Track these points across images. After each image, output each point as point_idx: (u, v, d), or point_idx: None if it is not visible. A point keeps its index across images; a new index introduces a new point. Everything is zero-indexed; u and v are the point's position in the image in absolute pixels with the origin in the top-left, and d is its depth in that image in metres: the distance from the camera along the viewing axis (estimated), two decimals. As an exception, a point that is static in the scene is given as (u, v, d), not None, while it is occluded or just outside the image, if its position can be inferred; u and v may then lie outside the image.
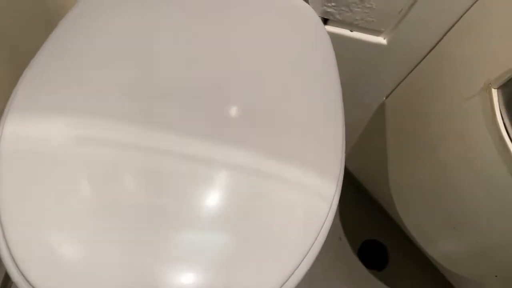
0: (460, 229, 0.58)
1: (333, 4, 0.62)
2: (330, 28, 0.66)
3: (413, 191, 0.69)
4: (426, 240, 0.68)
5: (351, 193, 1.13)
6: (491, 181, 0.50)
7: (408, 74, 0.69)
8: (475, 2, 0.53)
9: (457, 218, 0.58)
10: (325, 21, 0.66)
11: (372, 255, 1.08)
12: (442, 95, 0.59)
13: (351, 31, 0.65)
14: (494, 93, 0.47)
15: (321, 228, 0.41)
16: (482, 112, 0.49)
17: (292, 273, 0.38)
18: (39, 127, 0.44)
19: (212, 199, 0.42)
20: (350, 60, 0.71)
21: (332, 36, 0.67)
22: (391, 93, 0.76)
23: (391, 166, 0.77)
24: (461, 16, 0.56)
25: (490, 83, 0.47)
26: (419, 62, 0.66)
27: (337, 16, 0.64)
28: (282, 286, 0.38)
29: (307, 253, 0.40)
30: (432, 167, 0.62)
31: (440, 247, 0.66)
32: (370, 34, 0.65)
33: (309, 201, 0.43)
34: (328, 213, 0.43)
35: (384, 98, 0.78)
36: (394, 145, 0.77)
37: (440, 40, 0.61)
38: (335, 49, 0.70)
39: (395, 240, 1.07)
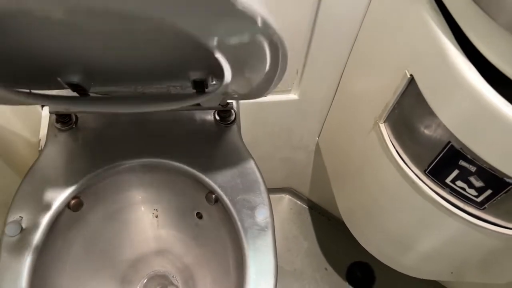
0: (402, 241, 0.65)
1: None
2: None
3: (357, 215, 0.75)
4: (385, 257, 0.74)
5: (324, 223, 1.19)
6: (401, 197, 0.57)
7: (326, 117, 0.78)
8: (351, 51, 0.63)
9: (395, 233, 0.65)
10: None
11: (359, 276, 1.13)
12: (349, 134, 0.67)
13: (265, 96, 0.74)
14: (382, 127, 0.55)
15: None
16: (379, 144, 0.57)
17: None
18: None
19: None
20: (274, 116, 0.80)
21: (251, 104, 0.76)
22: (320, 133, 0.84)
23: (338, 194, 0.84)
24: (346, 62, 0.66)
25: (377, 119, 0.56)
26: (330, 106, 0.75)
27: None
28: None
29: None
30: (360, 193, 0.69)
31: (398, 260, 0.72)
32: (281, 94, 0.74)
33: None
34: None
35: (317, 138, 0.87)
36: (335, 175, 0.84)
37: (338, 85, 0.70)
38: (257, 113, 0.79)
39: (377, 256, 1.13)
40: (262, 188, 0.63)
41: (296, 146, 0.92)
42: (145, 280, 0.73)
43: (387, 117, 0.55)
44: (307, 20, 0.58)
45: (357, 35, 0.59)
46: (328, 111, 0.77)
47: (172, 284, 0.73)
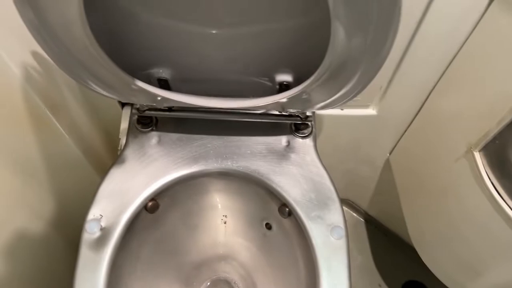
0: (476, 269, 0.62)
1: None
2: (321, 111, 0.74)
3: (429, 238, 0.72)
4: (451, 282, 0.71)
5: (380, 238, 1.16)
6: (489, 228, 0.54)
7: (402, 135, 0.75)
8: (443, 73, 0.60)
9: (470, 261, 0.62)
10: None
11: (414, 296, 1.09)
12: (434, 156, 0.65)
13: (342, 109, 0.73)
14: (477, 156, 0.52)
15: None
16: (470, 172, 0.54)
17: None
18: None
19: None
20: (347, 130, 0.78)
21: (326, 116, 0.75)
22: (392, 150, 0.82)
23: (408, 214, 0.82)
24: (437, 83, 0.63)
25: (472, 147, 0.53)
26: (409, 124, 0.72)
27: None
28: None
29: None
30: (438, 217, 0.66)
31: (466, 286, 0.69)
32: (359, 108, 0.72)
33: None
34: None
35: (388, 155, 0.84)
36: (406, 194, 0.81)
37: (423, 104, 0.67)
38: (330, 126, 0.78)
39: (434, 277, 1.08)
40: (338, 206, 0.61)
41: (362, 159, 0.90)
42: (208, 283, 0.73)
43: (484, 146, 0.52)
44: (403, 39, 0.56)
45: (454, 57, 0.56)
46: (406, 129, 0.74)
47: (235, 290, 0.73)
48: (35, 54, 0.53)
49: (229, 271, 0.74)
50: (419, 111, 0.69)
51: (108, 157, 0.74)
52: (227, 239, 0.73)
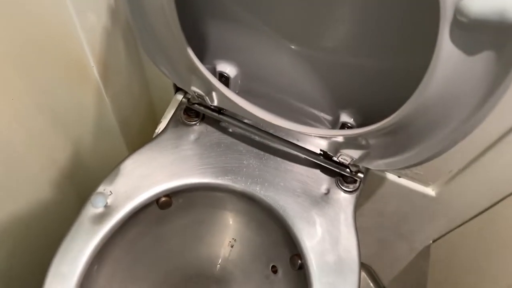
0: None
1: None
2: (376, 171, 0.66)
3: None
4: None
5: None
6: None
7: (454, 229, 0.65)
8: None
9: None
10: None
11: None
12: (481, 267, 0.55)
13: (399, 177, 0.65)
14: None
15: None
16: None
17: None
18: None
19: None
20: (397, 200, 0.70)
21: (379, 178, 0.67)
22: (438, 238, 0.72)
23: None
24: (516, 190, 0.53)
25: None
26: (467, 221, 0.62)
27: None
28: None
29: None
30: None
31: None
32: (418, 183, 0.64)
33: None
34: None
35: (431, 242, 0.74)
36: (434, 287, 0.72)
37: (491, 207, 0.58)
38: (381, 189, 0.70)
39: None
40: (355, 279, 0.54)
41: (401, 235, 0.81)
42: (192, 301, 0.68)
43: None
44: (496, 128, 0.48)
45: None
46: (461, 225, 0.64)
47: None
48: (99, 9, 0.50)
49: (217, 297, 0.68)
50: (483, 212, 0.60)
51: (143, 136, 0.71)
52: (228, 264, 0.67)
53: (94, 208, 0.55)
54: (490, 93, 0.34)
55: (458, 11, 0.29)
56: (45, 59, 0.47)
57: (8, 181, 0.55)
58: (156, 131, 0.64)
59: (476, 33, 0.30)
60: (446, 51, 0.32)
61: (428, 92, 0.36)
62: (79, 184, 0.65)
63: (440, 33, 0.31)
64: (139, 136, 0.70)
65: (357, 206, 0.60)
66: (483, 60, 0.32)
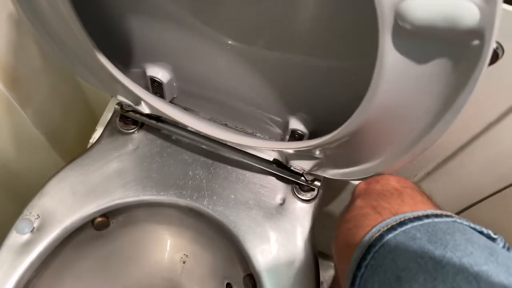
0: None
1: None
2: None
3: None
4: None
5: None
6: None
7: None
8: (501, 190, 0.46)
9: None
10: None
11: None
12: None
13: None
14: None
15: None
16: None
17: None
18: None
19: None
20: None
21: (341, 180, 0.62)
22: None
23: None
24: (487, 196, 0.49)
25: None
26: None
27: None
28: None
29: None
30: None
31: None
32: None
33: None
34: None
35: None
36: None
37: (462, 212, 0.53)
38: (345, 192, 0.65)
39: None
40: (313, 299, 0.49)
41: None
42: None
43: None
44: (464, 132, 0.42)
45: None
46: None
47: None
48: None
49: (172, 316, 0.63)
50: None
51: (82, 145, 0.64)
52: (182, 280, 0.62)
53: (19, 234, 0.49)
54: (445, 106, 0.29)
55: (399, 17, 0.23)
56: None
57: None
58: (91, 140, 0.57)
59: (423, 40, 0.24)
60: (390, 60, 0.26)
61: (374, 104, 0.31)
62: (17, 204, 0.58)
63: (381, 41, 0.25)
64: (77, 145, 0.63)
65: (318, 215, 0.55)
66: (433, 70, 0.26)
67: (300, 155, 0.47)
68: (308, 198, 0.54)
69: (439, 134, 0.31)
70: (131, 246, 0.59)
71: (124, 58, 0.45)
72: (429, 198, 0.40)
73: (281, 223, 0.52)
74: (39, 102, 0.53)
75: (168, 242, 0.60)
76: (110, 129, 0.56)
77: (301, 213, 0.53)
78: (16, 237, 0.49)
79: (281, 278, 0.49)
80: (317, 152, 0.45)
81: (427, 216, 0.32)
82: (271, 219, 0.52)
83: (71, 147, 0.62)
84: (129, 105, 0.50)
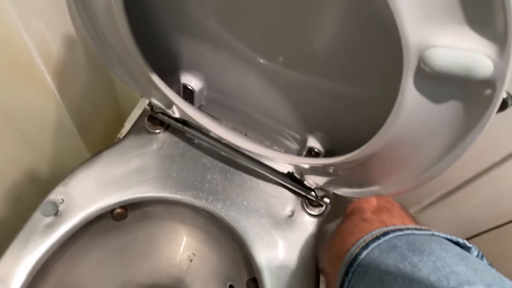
0: None
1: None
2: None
3: None
4: None
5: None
6: None
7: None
8: (497, 227, 0.49)
9: None
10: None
11: None
12: None
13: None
14: None
15: None
16: None
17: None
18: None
19: None
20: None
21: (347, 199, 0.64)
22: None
23: None
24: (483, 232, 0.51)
25: None
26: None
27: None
28: None
29: None
30: None
31: None
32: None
33: None
34: None
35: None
36: None
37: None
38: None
39: None
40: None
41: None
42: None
43: None
44: (469, 169, 0.45)
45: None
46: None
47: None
48: (46, 14, 0.47)
49: (173, 310, 0.65)
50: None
51: (108, 138, 0.67)
52: (187, 277, 0.65)
53: (43, 216, 0.52)
54: (454, 143, 0.32)
55: (422, 61, 0.26)
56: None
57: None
58: (118, 136, 0.61)
59: (440, 84, 0.27)
60: (409, 97, 0.29)
61: (390, 133, 0.34)
62: (40, 187, 0.61)
63: (404, 79, 0.28)
64: (102, 138, 0.67)
65: (323, 229, 0.58)
66: (447, 110, 0.29)
67: (315, 170, 0.50)
68: (316, 214, 0.56)
69: (446, 166, 0.34)
70: (144, 239, 0.62)
71: (162, 65, 0.48)
72: (414, 219, 0.43)
73: (288, 233, 0.55)
74: (76, 94, 0.57)
75: (179, 239, 0.63)
76: (138, 127, 0.59)
77: (308, 227, 0.56)
78: (40, 219, 0.52)
79: (283, 285, 0.52)
80: (331, 170, 0.48)
81: (408, 229, 0.36)
82: (279, 228, 0.55)
83: (97, 140, 0.65)
84: (159, 107, 0.53)
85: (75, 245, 0.55)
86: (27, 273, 0.48)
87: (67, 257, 0.55)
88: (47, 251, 0.50)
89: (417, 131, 0.32)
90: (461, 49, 0.24)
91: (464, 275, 0.28)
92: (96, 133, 0.65)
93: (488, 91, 0.25)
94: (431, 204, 0.54)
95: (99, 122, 0.65)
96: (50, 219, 0.52)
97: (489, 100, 0.26)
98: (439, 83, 0.27)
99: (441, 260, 0.30)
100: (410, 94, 0.29)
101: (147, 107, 0.57)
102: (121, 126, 0.61)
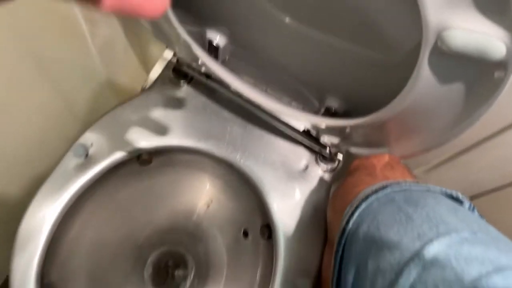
0: None
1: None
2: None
3: None
4: None
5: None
6: None
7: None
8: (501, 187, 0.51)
9: None
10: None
11: None
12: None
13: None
14: None
15: None
16: None
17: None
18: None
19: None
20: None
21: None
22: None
23: None
24: (489, 192, 0.54)
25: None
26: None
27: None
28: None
29: None
30: None
31: None
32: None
33: None
34: None
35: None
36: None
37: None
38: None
39: None
40: (318, 254, 0.56)
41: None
42: (165, 249, 0.71)
43: None
44: (483, 128, 0.47)
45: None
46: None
47: (185, 267, 0.70)
48: None
49: (189, 249, 0.71)
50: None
51: (132, 88, 0.70)
52: (203, 222, 0.70)
53: (75, 157, 0.57)
54: (463, 117, 0.34)
55: (440, 40, 0.27)
56: (31, 11, 0.46)
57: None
58: (143, 86, 0.64)
59: (456, 61, 0.29)
60: (426, 70, 0.31)
61: (405, 103, 0.36)
62: (68, 131, 0.65)
63: (422, 53, 0.30)
64: (128, 88, 0.69)
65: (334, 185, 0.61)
66: (459, 87, 0.31)
67: (330, 129, 0.53)
68: (329, 169, 0.60)
69: (453, 137, 0.36)
70: (166, 184, 0.66)
71: (189, 19, 0.50)
72: (415, 178, 0.46)
73: (301, 185, 0.58)
74: (106, 44, 0.59)
75: (199, 186, 0.68)
76: (163, 78, 0.62)
77: (320, 180, 0.59)
78: (72, 160, 0.56)
79: (294, 231, 0.56)
80: (346, 130, 0.50)
81: (406, 183, 0.39)
82: (293, 180, 0.59)
83: (124, 90, 0.68)
84: (184, 61, 0.55)
85: (103, 186, 0.59)
86: (59, 211, 0.53)
87: (94, 198, 0.59)
88: (77, 191, 0.55)
89: (430, 102, 0.34)
90: (477, 32, 0.25)
91: (453, 224, 0.31)
92: (123, 83, 0.68)
93: (500, 72, 0.27)
94: (439, 164, 0.57)
95: (126, 71, 0.68)
96: (80, 160, 0.56)
97: (500, 80, 0.28)
98: (454, 61, 0.29)
99: (433, 212, 0.33)
100: (426, 67, 0.31)
101: (172, 59, 0.59)
102: (146, 77, 0.63)
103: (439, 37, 0.27)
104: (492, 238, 0.30)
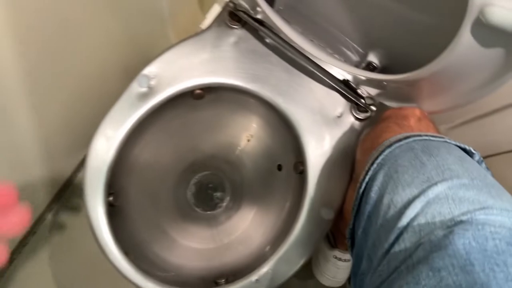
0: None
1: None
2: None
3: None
4: None
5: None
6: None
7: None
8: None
9: None
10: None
11: None
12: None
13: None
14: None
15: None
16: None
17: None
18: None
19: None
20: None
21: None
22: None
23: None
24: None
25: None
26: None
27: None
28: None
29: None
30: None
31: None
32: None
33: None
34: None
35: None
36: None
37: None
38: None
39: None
40: (341, 195, 0.64)
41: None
42: (207, 173, 0.80)
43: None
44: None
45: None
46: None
47: (223, 191, 0.80)
48: None
49: (228, 175, 0.80)
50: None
51: (190, 27, 0.76)
52: (242, 153, 0.78)
53: (139, 87, 0.64)
54: (491, 80, 0.40)
55: (481, 14, 0.33)
56: None
57: (66, 49, 0.62)
58: (200, 26, 0.69)
59: (493, 33, 0.35)
60: (465, 37, 0.37)
61: (442, 64, 0.42)
62: (129, 61, 0.72)
63: (464, 22, 0.36)
64: (186, 26, 0.75)
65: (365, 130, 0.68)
66: (493, 55, 0.37)
67: (369, 82, 0.59)
68: (362, 118, 0.66)
69: (479, 98, 0.42)
70: (214, 117, 0.74)
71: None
72: (438, 131, 0.53)
73: (335, 130, 0.65)
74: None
75: (242, 122, 0.76)
76: (219, 21, 0.67)
77: (352, 128, 0.66)
78: (136, 89, 0.64)
79: (323, 168, 0.64)
80: (384, 84, 0.56)
81: (427, 135, 0.46)
82: (327, 125, 0.65)
83: (182, 29, 0.74)
84: (242, 5, 0.61)
85: (160, 115, 0.67)
86: (126, 132, 0.62)
87: (154, 123, 0.68)
88: (142, 115, 0.63)
89: (464, 66, 0.40)
90: (513, 11, 0.31)
91: (456, 171, 0.38)
92: (181, 22, 0.74)
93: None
94: (462, 123, 0.63)
95: (186, 12, 0.74)
96: (144, 90, 0.64)
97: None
98: (492, 32, 0.35)
99: (443, 160, 0.40)
100: (466, 35, 0.37)
101: (229, 3, 0.64)
102: (203, 17, 0.69)
103: (481, 12, 0.33)
104: (486, 185, 0.38)
